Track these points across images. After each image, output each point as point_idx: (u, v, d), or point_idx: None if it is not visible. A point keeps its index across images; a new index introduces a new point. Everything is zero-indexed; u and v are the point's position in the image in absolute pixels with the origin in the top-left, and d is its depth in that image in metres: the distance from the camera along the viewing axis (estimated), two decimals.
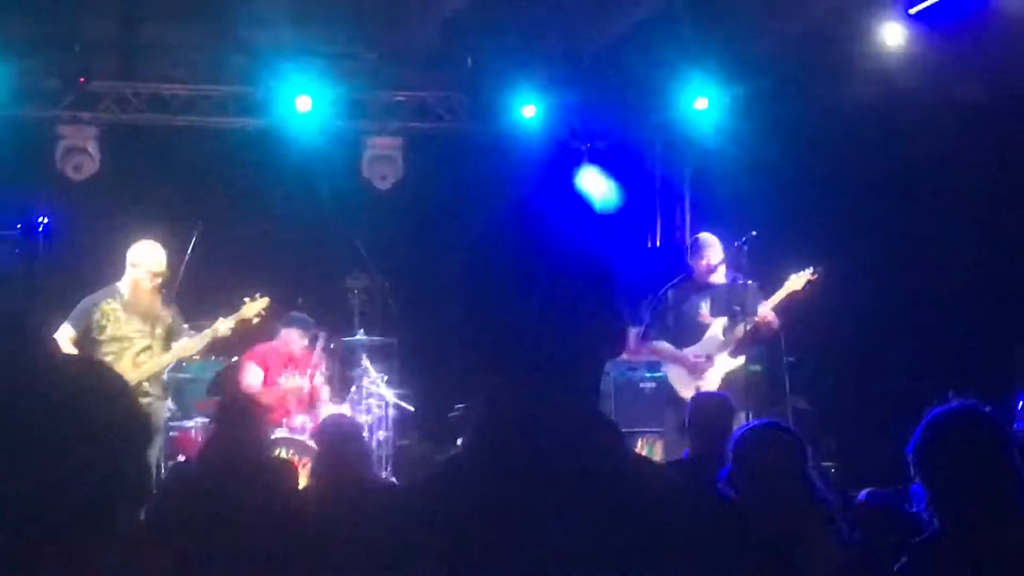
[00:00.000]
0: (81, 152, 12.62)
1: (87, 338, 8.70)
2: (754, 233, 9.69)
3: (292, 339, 10.43)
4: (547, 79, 12.84)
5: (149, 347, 8.86)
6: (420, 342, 11.83)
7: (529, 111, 13.04)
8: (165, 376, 9.12)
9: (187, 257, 9.66)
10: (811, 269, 9.34)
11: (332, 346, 11.30)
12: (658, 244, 14.02)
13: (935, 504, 3.75)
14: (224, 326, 9.13)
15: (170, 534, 5.11)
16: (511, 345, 1.81)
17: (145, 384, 8.81)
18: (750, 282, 9.50)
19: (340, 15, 11.67)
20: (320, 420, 9.53)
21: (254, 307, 9.35)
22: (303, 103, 12.61)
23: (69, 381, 1.99)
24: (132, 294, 8.83)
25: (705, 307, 9.60)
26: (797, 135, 10.77)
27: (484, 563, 1.69)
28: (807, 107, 10.81)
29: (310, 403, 10.38)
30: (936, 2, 9.70)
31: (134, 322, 8.82)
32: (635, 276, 10.97)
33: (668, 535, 1.69)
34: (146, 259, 8.88)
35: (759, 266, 9.60)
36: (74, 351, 8.50)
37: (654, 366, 10.18)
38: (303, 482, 8.29)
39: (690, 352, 9.53)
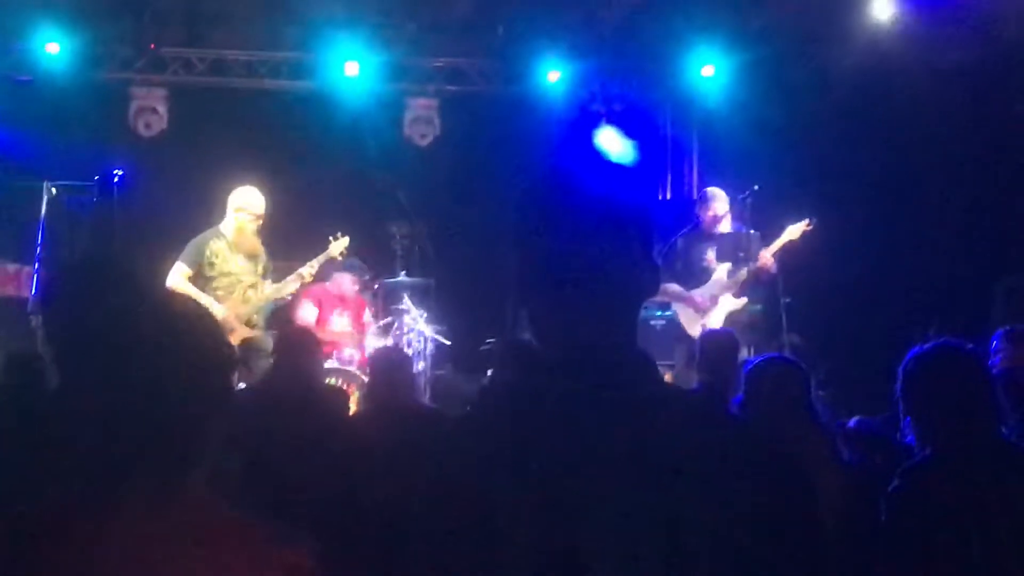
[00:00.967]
0: (151, 112, 12.62)
1: (199, 275, 8.74)
2: (756, 187, 9.68)
3: (344, 282, 10.43)
4: (570, 47, 12.76)
5: (254, 284, 8.92)
6: (455, 283, 11.86)
7: (554, 76, 12.97)
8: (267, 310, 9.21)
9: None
10: (807, 220, 9.33)
11: (377, 286, 11.34)
12: (668, 197, 13.96)
13: (922, 436, 3.75)
14: (310, 268, 9.20)
15: (240, 449, 5.16)
16: (558, 287, 1.82)
17: (255, 317, 8.89)
18: (752, 231, 9.50)
19: None
20: (368, 352, 9.60)
21: (338, 246, 9.43)
22: (351, 68, 12.57)
23: (159, 311, 2.01)
24: (236, 235, 8.87)
25: (711, 253, 9.60)
26: (795, 99, 10.71)
27: (527, 485, 1.70)
28: (804, 73, 10.76)
29: (358, 337, 10.41)
30: None
31: (239, 260, 8.87)
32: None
33: (701, 452, 1.71)
34: (250, 203, 8.93)
35: (760, 217, 9.60)
36: (191, 287, 8.56)
37: (664, 306, 10.18)
38: (352, 408, 8.36)
39: (697, 293, 9.54)
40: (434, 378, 11.13)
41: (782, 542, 1.69)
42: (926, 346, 3.82)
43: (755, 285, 9.48)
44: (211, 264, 8.76)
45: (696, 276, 9.59)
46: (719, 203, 9.64)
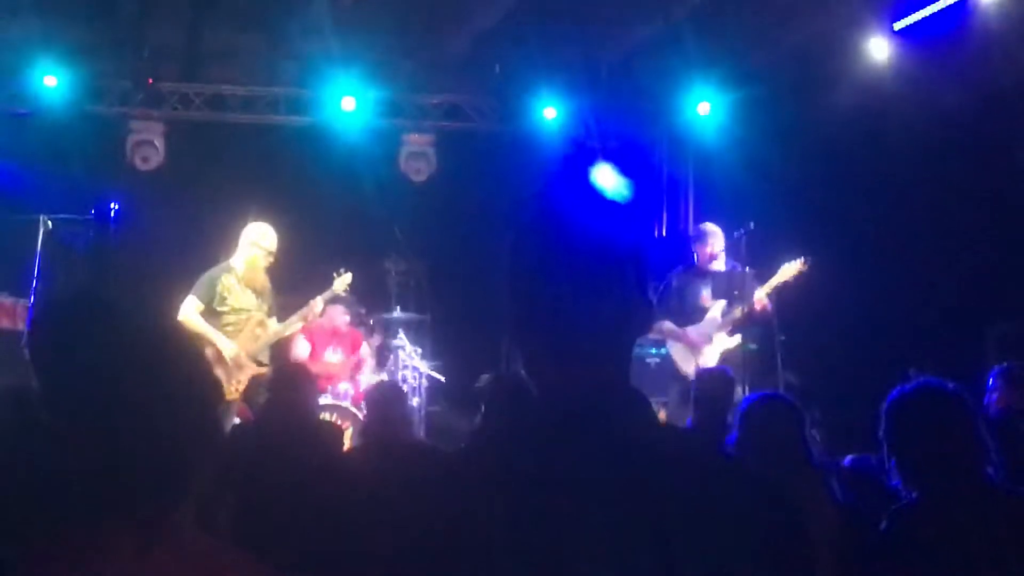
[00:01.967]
0: (149, 145, 12.67)
1: (210, 310, 8.69)
2: (751, 225, 9.66)
3: (337, 315, 10.42)
4: (566, 85, 12.83)
5: (262, 321, 8.89)
6: (450, 319, 11.85)
7: (550, 113, 13.03)
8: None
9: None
10: (802, 259, 9.30)
11: (372, 322, 11.33)
12: (664, 234, 13.97)
13: (907, 479, 3.64)
14: (315, 306, 9.18)
15: (232, 486, 5.13)
16: (552, 324, 1.81)
17: (260, 356, 8.86)
18: (747, 269, 9.46)
19: (381, 27, 11.67)
20: (364, 387, 9.58)
21: (341, 282, 9.42)
22: (348, 103, 12.64)
23: (148, 347, 1.99)
24: (248, 269, 8.85)
25: (706, 291, 9.59)
26: (790, 138, 10.73)
27: (522, 521, 1.68)
28: (799, 113, 10.77)
29: (353, 372, 10.39)
30: (919, 20, 9.66)
31: (249, 296, 8.84)
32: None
33: (694, 491, 1.69)
34: (264, 239, 8.92)
35: (755, 255, 9.57)
36: (202, 322, 8.53)
37: (659, 343, 10.17)
38: (347, 444, 8.33)
39: (691, 331, 9.52)
40: (429, 414, 11.11)
41: None
42: (907, 386, 3.73)
43: (750, 323, 9.45)
44: (222, 299, 8.73)
45: (691, 314, 9.57)
46: (714, 240, 9.64)
